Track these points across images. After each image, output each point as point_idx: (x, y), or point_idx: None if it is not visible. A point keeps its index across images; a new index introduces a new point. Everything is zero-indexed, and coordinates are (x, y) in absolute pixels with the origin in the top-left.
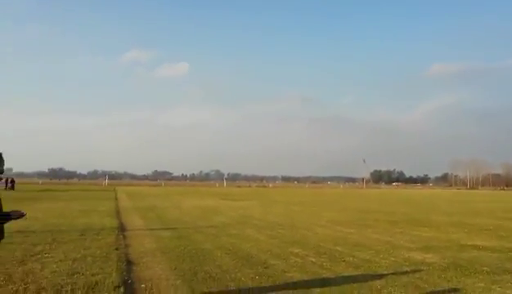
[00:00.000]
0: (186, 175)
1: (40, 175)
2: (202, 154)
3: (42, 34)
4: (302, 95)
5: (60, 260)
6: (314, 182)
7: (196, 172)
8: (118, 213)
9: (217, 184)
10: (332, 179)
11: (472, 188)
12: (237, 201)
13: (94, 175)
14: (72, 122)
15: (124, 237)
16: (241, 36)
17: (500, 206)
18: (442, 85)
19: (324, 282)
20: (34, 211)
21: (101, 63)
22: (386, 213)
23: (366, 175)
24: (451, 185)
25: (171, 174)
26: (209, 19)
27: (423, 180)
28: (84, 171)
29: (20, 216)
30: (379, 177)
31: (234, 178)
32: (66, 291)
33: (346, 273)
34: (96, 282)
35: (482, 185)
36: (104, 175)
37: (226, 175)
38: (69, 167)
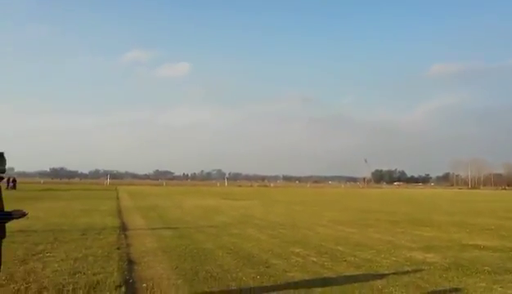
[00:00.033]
0: (188, 175)
1: (42, 174)
2: (203, 154)
3: (42, 34)
4: (302, 95)
5: (62, 260)
6: (315, 182)
7: (198, 172)
8: (119, 213)
9: (219, 184)
10: (333, 178)
11: (473, 187)
12: (238, 200)
13: (96, 175)
14: (72, 122)
15: (126, 236)
16: (241, 36)
17: (501, 205)
18: (443, 85)
19: (325, 282)
20: (36, 211)
21: (102, 63)
22: (387, 213)
23: (368, 174)
24: (452, 185)
25: (172, 173)
26: (210, 19)
27: (424, 180)
28: (86, 171)
29: (22, 215)
30: (381, 177)
31: (235, 178)
32: (68, 290)
33: (347, 273)
34: (98, 282)
35: (484, 185)
36: (105, 174)
37: (227, 175)
38: (70, 166)
